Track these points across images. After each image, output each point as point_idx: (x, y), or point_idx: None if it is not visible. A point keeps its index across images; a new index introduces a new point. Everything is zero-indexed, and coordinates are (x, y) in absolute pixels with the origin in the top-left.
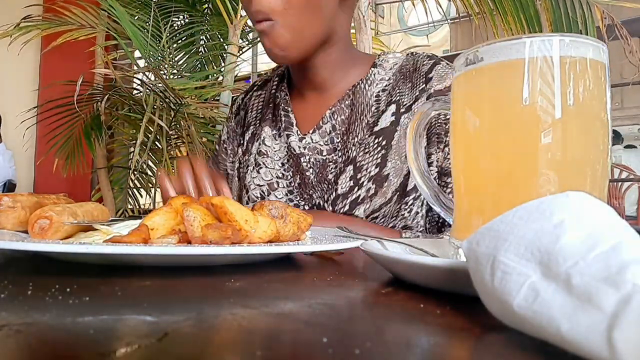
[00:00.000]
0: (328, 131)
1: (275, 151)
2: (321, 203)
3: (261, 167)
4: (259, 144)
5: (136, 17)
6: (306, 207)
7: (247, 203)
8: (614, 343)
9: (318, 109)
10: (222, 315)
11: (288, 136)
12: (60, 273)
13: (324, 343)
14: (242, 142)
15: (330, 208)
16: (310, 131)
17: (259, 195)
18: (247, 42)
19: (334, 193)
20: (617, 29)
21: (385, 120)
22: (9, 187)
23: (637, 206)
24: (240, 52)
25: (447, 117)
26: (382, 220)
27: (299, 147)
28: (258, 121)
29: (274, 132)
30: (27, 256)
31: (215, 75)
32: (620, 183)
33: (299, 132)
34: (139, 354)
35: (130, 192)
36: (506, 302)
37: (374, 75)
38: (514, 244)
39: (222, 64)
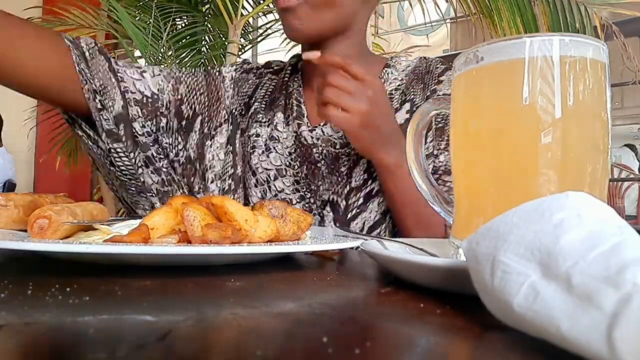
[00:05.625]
0: None
1: (284, 139)
2: (334, 198)
3: (271, 152)
4: (271, 129)
5: (137, 18)
6: (312, 200)
7: (256, 186)
8: (614, 343)
9: None
10: (222, 315)
11: (299, 125)
12: (60, 273)
13: (324, 343)
14: (242, 112)
15: (344, 202)
16: (322, 123)
17: (265, 178)
18: (248, 42)
19: (347, 186)
20: (616, 35)
21: (400, 117)
22: (9, 186)
23: (637, 206)
24: (242, 51)
25: (447, 116)
26: None
27: (311, 137)
28: (265, 103)
29: (284, 119)
30: (27, 256)
31: None
32: (620, 183)
33: (309, 124)
34: (139, 354)
35: None
36: (506, 301)
37: (388, 74)
38: (514, 244)
39: (224, 62)
